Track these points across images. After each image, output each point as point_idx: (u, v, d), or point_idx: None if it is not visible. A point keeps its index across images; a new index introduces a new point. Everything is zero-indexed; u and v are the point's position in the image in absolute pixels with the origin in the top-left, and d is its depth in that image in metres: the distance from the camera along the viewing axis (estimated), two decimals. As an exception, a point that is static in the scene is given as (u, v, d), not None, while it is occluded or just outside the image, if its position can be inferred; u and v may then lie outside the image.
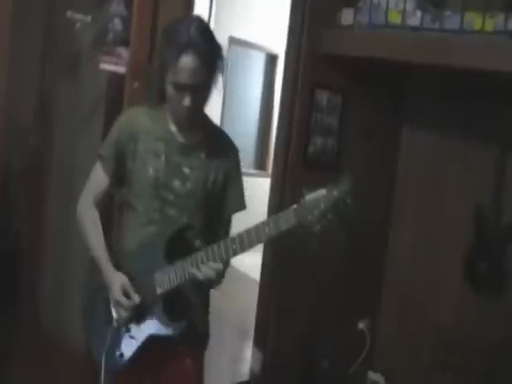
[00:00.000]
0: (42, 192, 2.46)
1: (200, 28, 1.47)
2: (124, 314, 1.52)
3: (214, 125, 1.69)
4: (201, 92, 1.49)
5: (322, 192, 1.34)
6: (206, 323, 1.67)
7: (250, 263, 4.38)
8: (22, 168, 2.37)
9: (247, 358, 3.11)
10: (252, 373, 2.89)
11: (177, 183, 1.54)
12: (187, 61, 1.42)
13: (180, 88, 1.45)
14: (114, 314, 1.55)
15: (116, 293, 1.51)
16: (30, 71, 2.36)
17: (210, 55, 1.47)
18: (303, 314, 2.88)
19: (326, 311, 2.93)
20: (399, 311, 3.13)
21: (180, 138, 1.56)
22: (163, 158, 1.53)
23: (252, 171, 5.89)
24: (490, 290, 2.68)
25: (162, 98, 1.54)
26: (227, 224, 1.67)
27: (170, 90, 1.47)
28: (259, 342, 2.87)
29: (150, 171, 1.53)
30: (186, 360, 1.59)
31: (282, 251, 2.75)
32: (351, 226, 2.85)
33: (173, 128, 1.57)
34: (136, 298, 1.51)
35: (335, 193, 1.33)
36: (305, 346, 2.88)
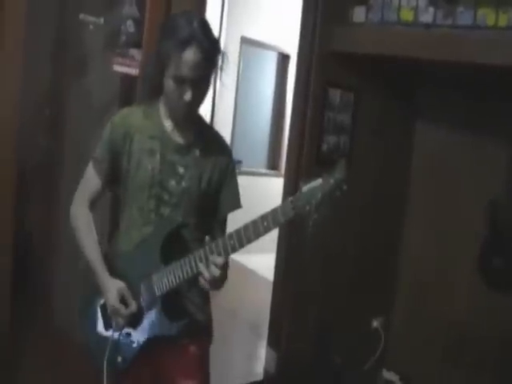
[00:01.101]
0: (55, 192, 2.49)
1: (201, 22, 1.47)
2: (122, 321, 1.50)
3: (208, 125, 1.69)
4: (201, 86, 1.48)
5: (319, 181, 1.33)
6: (208, 315, 1.65)
7: (259, 262, 4.38)
8: (35, 168, 2.40)
9: (260, 355, 3.11)
10: (266, 372, 2.89)
11: (172, 182, 1.53)
12: (190, 54, 1.42)
13: (181, 82, 1.44)
14: (112, 321, 1.53)
15: (113, 300, 1.49)
16: (43, 73, 2.39)
17: (212, 49, 1.47)
18: (317, 314, 2.87)
19: (339, 310, 2.92)
20: (412, 310, 3.11)
21: (175, 137, 1.55)
22: (158, 156, 1.52)
23: (264, 171, 5.89)
24: (504, 285, 2.65)
25: (157, 93, 1.53)
26: (223, 223, 1.65)
27: (170, 84, 1.46)
28: (273, 343, 2.88)
29: (146, 170, 1.52)
30: (187, 350, 1.57)
31: (294, 251, 2.75)
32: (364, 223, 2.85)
33: (168, 126, 1.55)
34: (133, 306, 1.49)
35: (331, 181, 1.32)
36: (318, 345, 2.88)
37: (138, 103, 1.61)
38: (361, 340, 2.99)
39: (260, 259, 4.09)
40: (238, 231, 1.39)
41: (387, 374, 3.11)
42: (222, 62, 1.51)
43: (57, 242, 2.50)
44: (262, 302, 3.24)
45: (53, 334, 2.42)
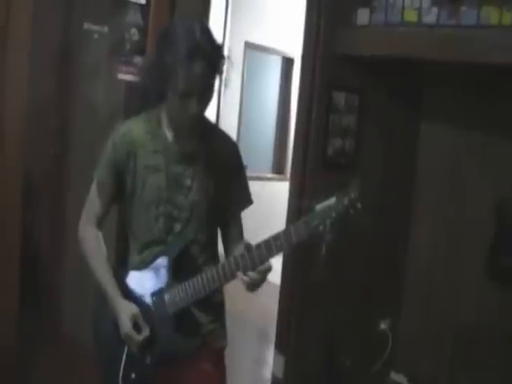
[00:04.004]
0: (63, 198, 2.50)
1: (203, 30, 1.40)
2: (135, 346, 1.47)
3: (211, 124, 1.63)
4: (207, 95, 1.44)
5: (332, 201, 1.31)
6: (223, 323, 1.61)
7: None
8: (43, 175, 2.41)
9: (268, 359, 3.10)
10: (274, 377, 2.88)
11: (180, 197, 1.49)
12: (198, 68, 1.36)
13: (187, 95, 1.39)
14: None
15: (126, 326, 1.45)
16: (48, 83, 2.40)
17: (216, 57, 1.42)
18: (325, 316, 2.86)
19: (347, 312, 2.91)
20: (421, 311, 3.10)
21: (178, 147, 1.50)
22: (164, 171, 1.48)
23: (270, 175, 5.89)
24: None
25: (157, 101, 1.48)
26: (239, 224, 1.61)
27: (174, 98, 1.41)
28: (281, 347, 2.87)
29: (152, 188, 1.48)
30: (203, 362, 1.53)
31: (302, 254, 2.74)
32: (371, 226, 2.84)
33: (170, 136, 1.50)
34: (146, 331, 1.46)
35: (345, 201, 1.30)
36: (327, 348, 2.86)
37: (137, 114, 1.55)
38: (369, 342, 2.98)
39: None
40: (250, 251, 1.37)
41: (396, 376, 3.09)
42: (223, 65, 1.45)
43: (65, 251, 2.51)
44: (269, 306, 3.23)
45: (61, 345, 2.42)
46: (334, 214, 1.30)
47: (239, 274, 1.39)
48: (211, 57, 1.40)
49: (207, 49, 1.38)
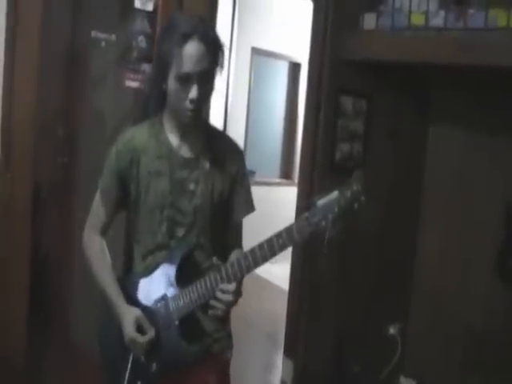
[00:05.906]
0: (72, 207, 2.51)
1: (202, 20, 1.43)
2: (140, 349, 1.45)
3: (217, 130, 1.63)
4: (206, 84, 1.42)
5: (335, 195, 1.28)
6: (228, 331, 1.61)
7: (273, 271, 4.37)
8: (52, 183, 2.42)
9: (277, 364, 3.09)
10: (283, 382, 2.87)
11: (183, 201, 1.48)
12: (193, 46, 1.37)
13: (185, 79, 1.38)
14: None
15: (129, 330, 1.44)
16: (56, 91, 2.42)
17: (214, 44, 1.42)
18: (333, 321, 2.85)
19: (356, 317, 2.90)
20: (430, 315, 3.08)
21: (182, 152, 1.50)
22: (167, 177, 1.47)
23: (278, 180, 5.89)
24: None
25: (159, 106, 1.49)
26: (238, 230, 1.61)
27: (173, 85, 1.40)
28: (289, 352, 2.86)
29: (155, 194, 1.48)
30: (208, 369, 1.53)
31: (310, 258, 2.73)
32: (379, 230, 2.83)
33: (174, 141, 1.50)
34: (151, 333, 1.45)
35: (348, 194, 1.27)
36: (335, 353, 2.85)
37: (141, 121, 1.55)
38: (378, 347, 2.96)
39: (274, 269, 4.08)
40: (252, 250, 1.36)
41: (405, 381, 3.07)
42: (223, 59, 1.45)
43: (73, 258, 2.51)
44: (277, 311, 3.23)
45: (69, 350, 2.43)
46: (336, 209, 1.27)
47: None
48: (209, 41, 1.40)
49: (204, 32, 1.39)
